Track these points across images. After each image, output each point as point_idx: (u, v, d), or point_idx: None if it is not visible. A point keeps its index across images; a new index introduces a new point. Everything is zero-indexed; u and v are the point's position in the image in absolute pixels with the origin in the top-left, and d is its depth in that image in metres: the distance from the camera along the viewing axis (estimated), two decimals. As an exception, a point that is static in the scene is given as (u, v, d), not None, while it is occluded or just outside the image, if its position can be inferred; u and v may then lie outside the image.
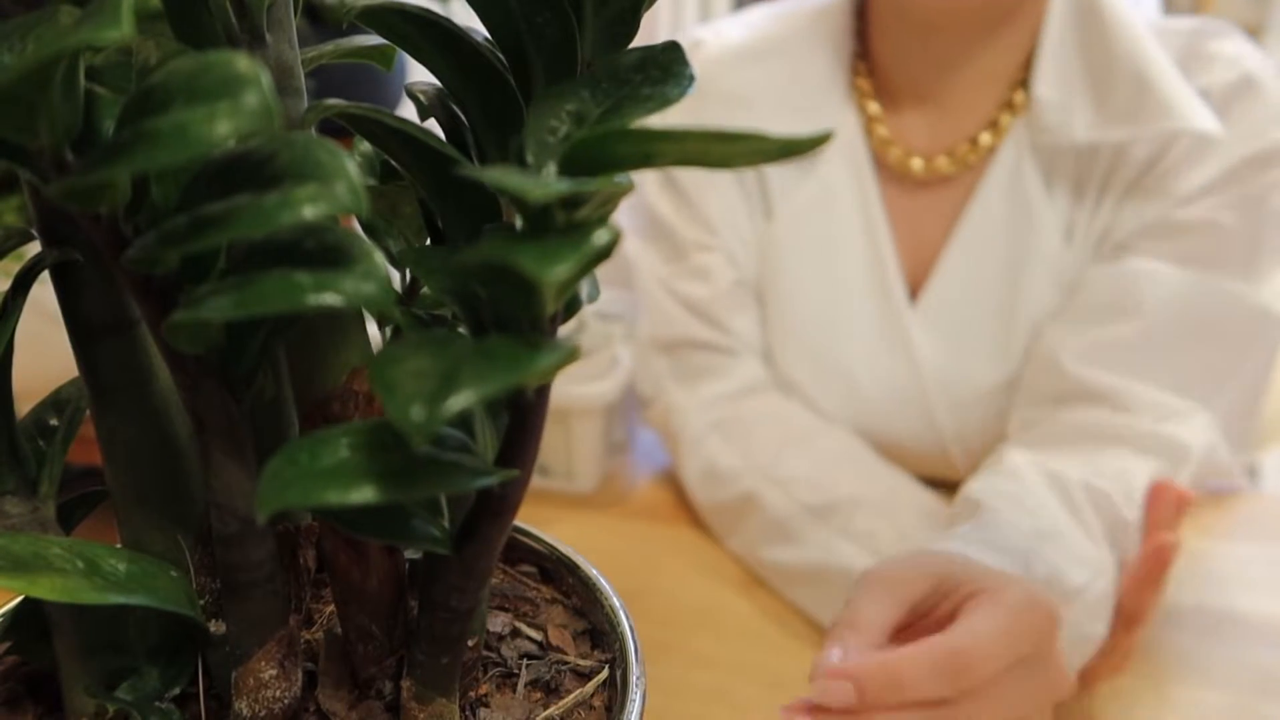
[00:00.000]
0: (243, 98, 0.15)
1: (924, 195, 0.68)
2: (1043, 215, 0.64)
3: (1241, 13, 2.32)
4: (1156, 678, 0.56)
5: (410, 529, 0.20)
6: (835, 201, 0.69)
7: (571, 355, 0.17)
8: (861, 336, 0.69)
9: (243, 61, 0.15)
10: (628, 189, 0.17)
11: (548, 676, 0.27)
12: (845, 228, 0.69)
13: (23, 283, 0.21)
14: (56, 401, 0.26)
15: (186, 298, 0.17)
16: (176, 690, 0.24)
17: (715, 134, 0.17)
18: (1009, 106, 0.65)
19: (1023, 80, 0.65)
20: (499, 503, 0.20)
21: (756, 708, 0.54)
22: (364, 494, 0.16)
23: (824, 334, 0.70)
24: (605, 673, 0.27)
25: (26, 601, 0.24)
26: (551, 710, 0.25)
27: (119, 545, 0.24)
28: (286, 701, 0.23)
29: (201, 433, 0.20)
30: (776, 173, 0.70)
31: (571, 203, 0.17)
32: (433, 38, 0.22)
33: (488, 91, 0.23)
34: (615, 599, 0.29)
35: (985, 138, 0.65)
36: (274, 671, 0.22)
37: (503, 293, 0.18)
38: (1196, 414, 0.59)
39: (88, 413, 0.25)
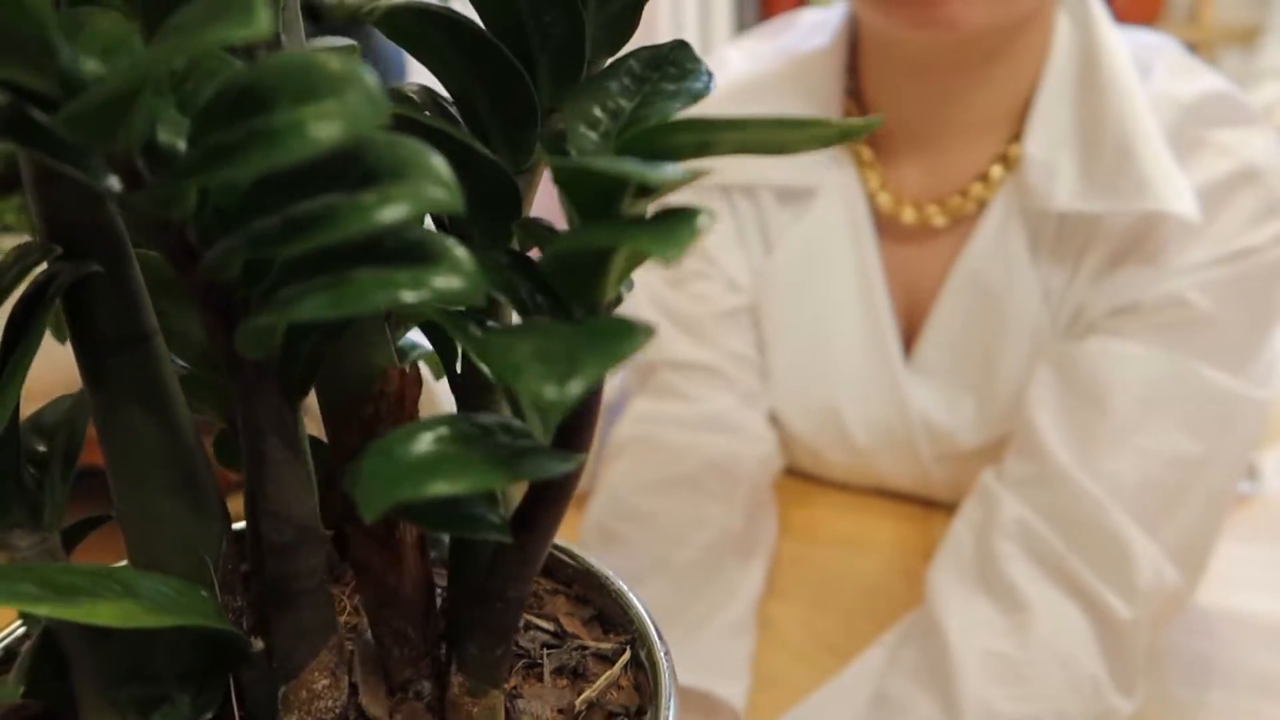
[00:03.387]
0: (348, 95, 0.15)
1: (917, 245, 0.66)
2: (1025, 278, 0.61)
3: (1241, 13, 2.32)
4: (1156, 677, 0.55)
5: (475, 518, 0.20)
6: (830, 243, 0.67)
7: (650, 335, 0.18)
8: (852, 382, 0.68)
9: (337, 60, 0.15)
10: (706, 173, 0.18)
11: (571, 663, 0.27)
12: (839, 271, 0.67)
13: (38, 300, 0.20)
14: (39, 427, 0.24)
15: (263, 301, 0.17)
16: (209, 716, 0.23)
17: (774, 120, 0.18)
18: (1003, 159, 0.62)
19: (1018, 133, 0.62)
20: (557, 489, 0.21)
21: (750, 705, 0.54)
22: (471, 481, 0.17)
23: (814, 375, 0.69)
24: (628, 653, 0.28)
25: (43, 637, 0.23)
26: (588, 693, 0.26)
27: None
28: (338, 711, 0.22)
29: (255, 441, 0.20)
30: (774, 209, 0.69)
31: (641, 192, 0.18)
32: (453, 39, 0.22)
33: (503, 92, 0.23)
34: (619, 582, 0.30)
35: (977, 189, 0.63)
36: (327, 681, 0.22)
37: (568, 280, 0.19)
38: (1144, 553, 0.53)
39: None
